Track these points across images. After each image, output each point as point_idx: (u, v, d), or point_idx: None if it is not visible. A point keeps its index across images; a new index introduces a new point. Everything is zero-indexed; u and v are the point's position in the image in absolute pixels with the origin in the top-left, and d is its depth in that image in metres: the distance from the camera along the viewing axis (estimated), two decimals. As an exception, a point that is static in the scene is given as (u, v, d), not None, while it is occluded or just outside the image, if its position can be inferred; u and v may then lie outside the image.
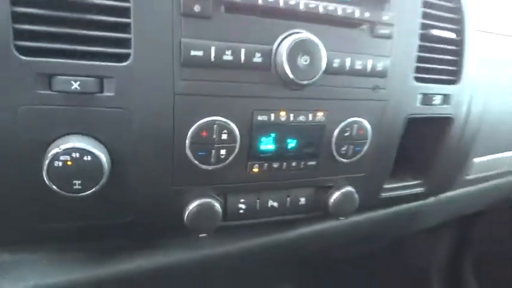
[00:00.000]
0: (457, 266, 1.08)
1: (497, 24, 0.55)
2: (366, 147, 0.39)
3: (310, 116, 0.36)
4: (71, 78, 0.28)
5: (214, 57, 0.31)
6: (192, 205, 0.35)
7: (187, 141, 0.32)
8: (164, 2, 0.29)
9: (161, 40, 0.30)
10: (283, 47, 0.32)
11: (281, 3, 0.32)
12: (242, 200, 0.38)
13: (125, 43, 0.29)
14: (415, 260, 1.05)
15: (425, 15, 0.40)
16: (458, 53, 0.43)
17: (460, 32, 0.42)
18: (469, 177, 0.53)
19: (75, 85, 0.28)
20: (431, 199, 0.52)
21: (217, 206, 0.35)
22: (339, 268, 0.86)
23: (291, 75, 0.32)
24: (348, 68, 0.36)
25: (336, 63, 0.35)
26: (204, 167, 0.34)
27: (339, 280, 0.91)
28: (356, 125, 0.38)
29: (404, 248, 0.94)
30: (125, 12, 0.29)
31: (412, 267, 1.07)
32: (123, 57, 0.29)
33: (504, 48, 0.55)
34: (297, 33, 0.33)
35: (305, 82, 0.33)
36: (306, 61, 0.33)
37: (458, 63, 0.43)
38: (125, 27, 0.29)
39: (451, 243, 1.06)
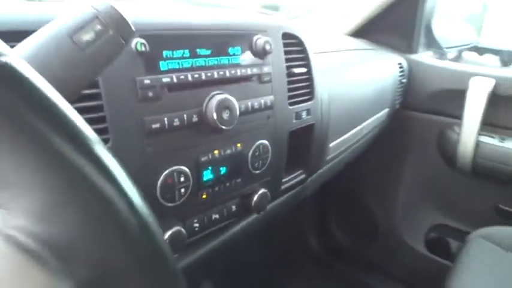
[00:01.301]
0: (325, 221, 1.42)
1: (326, 45, 0.80)
2: (269, 159, 0.57)
3: (233, 148, 0.52)
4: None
5: (167, 125, 0.43)
6: (166, 235, 0.47)
7: (158, 189, 0.44)
8: (127, 94, 0.40)
9: (130, 122, 0.41)
10: (210, 107, 0.47)
11: (203, 77, 0.46)
12: (195, 220, 0.51)
13: (103, 131, 0.39)
14: (294, 222, 1.34)
15: (287, 60, 0.59)
16: (310, 80, 0.64)
17: (307, 66, 0.64)
18: (328, 158, 0.78)
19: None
20: (308, 180, 0.74)
21: (183, 230, 0.48)
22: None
23: (220, 126, 0.47)
24: (250, 109, 0.52)
25: (243, 107, 0.51)
26: (169, 204, 0.46)
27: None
28: (261, 146, 0.55)
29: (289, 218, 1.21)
30: (99, 108, 0.39)
31: (293, 230, 1.36)
32: (104, 141, 0.39)
33: (333, 59, 0.81)
34: (218, 94, 0.48)
35: (229, 127, 0.48)
36: (227, 113, 0.48)
37: (310, 87, 0.65)
38: (101, 119, 0.39)
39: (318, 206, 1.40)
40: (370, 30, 1.15)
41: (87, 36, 0.25)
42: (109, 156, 0.16)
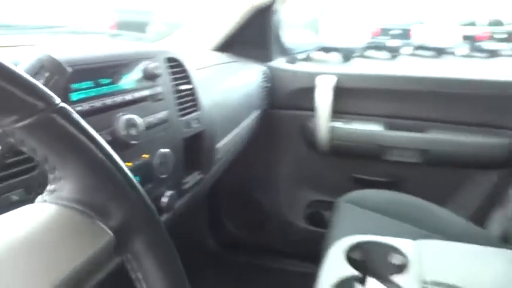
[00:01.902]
0: (220, 218, 1.57)
1: (200, 61, 0.94)
2: (171, 164, 0.68)
3: (142, 159, 0.62)
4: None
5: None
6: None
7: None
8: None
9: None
10: (120, 126, 0.56)
11: (108, 102, 0.56)
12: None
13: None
14: (191, 223, 1.45)
15: (174, 79, 0.71)
16: (194, 94, 0.78)
17: (190, 82, 0.77)
18: (217, 157, 0.92)
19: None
20: (204, 179, 0.87)
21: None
22: None
23: (129, 141, 0.57)
24: (151, 124, 0.63)
25: (146, 123, 0.61)
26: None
27: None
28: (164, 154, 0.66)
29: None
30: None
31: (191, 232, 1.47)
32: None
33: (207, 73, 0.95)
34: (123, 115, 0.57)
35: (137, 142, 0.58)
36: (134, 130, 0.58)
37: (195, 99, 0.78)
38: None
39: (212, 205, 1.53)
40: (232, 44, 1.33)
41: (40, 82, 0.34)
42: (116, 158, 0.27)
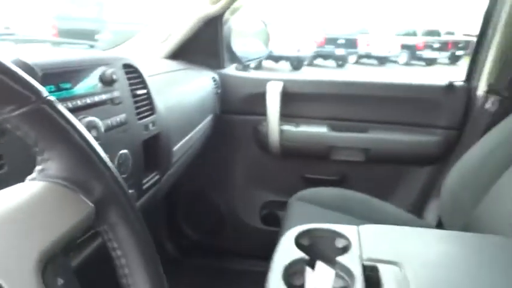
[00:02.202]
0: (177, 224, 1.60)
1: (155, 68, 0.98)
2: (130, 164, 0.72)
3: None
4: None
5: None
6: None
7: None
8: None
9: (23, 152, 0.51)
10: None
11: (69, 105, 0.59)
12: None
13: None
14: (149, 229, 1.47)
15: (130, 85, 0.76)
16: (149, 98, 0.82)
17: (146, 87, 0.81)
18: (174, 160, 0.96)
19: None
20: (162, 180, 0.91)
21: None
22: None
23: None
24: (111, 126, 0.67)
25: (106, 125, 0.65)
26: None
27: None
28: (123, 154, 0.70)
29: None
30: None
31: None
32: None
33: (162, 79, 1.00)
34: (84, 117, 0.60)
35: (98, 143, 0.62)
36: (95, 132, 0.61)
37: (151, 103, 0.82)
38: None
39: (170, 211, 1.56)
40: (184, 53, 1.38)
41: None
42: (94, 143, 0.32)
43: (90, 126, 0.61)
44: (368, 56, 13.28)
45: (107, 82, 0.68)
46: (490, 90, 1.26)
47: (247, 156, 1.52)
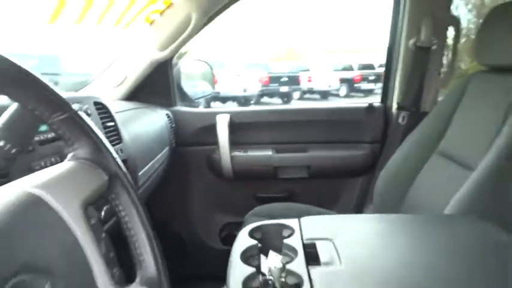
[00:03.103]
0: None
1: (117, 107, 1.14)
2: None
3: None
4: None
5: (44, 166, 0.69)
6: None
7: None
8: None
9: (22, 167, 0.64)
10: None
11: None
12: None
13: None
14: None
15: (101, 118, 0.91)
16: (117, 129, 0.98)
17: (113, 120, 0.97)
18: (140, 183, 1.10)
19: None
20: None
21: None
22: None
23: None
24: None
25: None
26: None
27: None
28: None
29: None
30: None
31: None
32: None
33: (125, 116, 1.15)
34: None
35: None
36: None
37: (118, 134, 0.98)
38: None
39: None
40: (139, 94, 1.55)
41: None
42: (104, 139, 0.49)
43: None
44: (311, 91, 14.06)
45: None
46: (400, 107, 1.54)
47: (203, 184, 1.68)
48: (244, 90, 11.12)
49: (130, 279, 0.49)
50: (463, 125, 1.25)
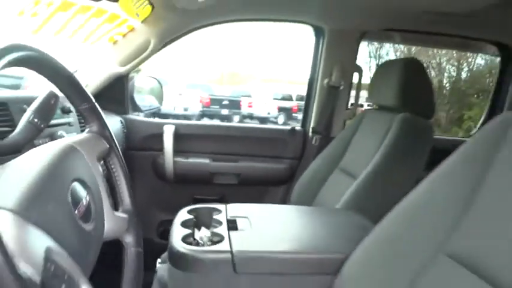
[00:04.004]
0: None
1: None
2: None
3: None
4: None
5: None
6: None
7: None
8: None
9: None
10: (54, 136, 1.00)
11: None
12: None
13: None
14: None
15: (79, 114, 1.17)
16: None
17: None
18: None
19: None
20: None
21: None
22: None
23: None
24: (69, 139, 1.07)
25: (67, 138, 1.06)
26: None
27: None
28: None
29: None
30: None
31: None
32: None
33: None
34: (56, 131, 1.01)
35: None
36: (64, 139, 1.02)
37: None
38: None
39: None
40: (97, 101, 1.79)
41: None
42: (107, 122, 0.77)
43: (58, 136, 1.02)
44: (250, 117, 14.61)
45: (66, 111, 1.10)
46: (314, 131, 1.94)
47: (147, 184, 1.93)
48: (185, 109, 11.36)
49: (116, 209, 0.77)
50: (356, 147, 1.66)
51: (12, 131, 0.78)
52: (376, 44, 9.14)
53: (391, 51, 9.29)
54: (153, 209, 1.95)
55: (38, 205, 0.49)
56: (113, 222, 0.74)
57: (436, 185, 0.82)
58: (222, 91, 14.26)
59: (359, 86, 1.96)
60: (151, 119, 2.03)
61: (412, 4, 1.61)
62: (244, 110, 14.38)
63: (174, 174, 1.89)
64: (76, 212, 0.57)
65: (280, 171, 1.99)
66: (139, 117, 2.00)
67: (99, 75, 1.77)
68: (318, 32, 1.89)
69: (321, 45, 1.89)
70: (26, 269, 0.39)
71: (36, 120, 0.76)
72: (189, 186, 1.96)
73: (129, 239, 0.78)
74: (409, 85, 1.44)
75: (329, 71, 1.88)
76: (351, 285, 0.88)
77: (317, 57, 1.93)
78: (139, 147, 1.90)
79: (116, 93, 1.87)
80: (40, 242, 0.46)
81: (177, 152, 1.90)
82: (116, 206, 0.78)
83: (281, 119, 15.17)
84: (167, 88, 10.85)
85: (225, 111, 13.38)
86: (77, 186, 0.60)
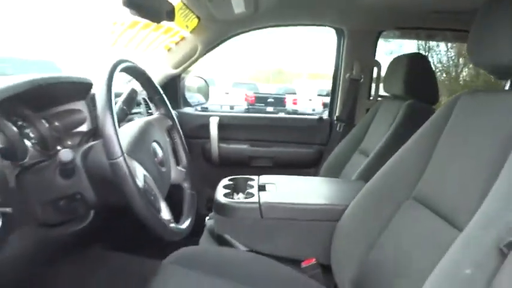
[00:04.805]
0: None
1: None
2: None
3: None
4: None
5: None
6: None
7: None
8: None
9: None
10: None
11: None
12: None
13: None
14: None
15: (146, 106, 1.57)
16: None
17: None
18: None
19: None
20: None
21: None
22: None
23: None
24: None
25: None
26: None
27: None
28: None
29: None
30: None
31: None
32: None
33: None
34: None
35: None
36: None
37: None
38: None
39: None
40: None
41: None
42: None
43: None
44: (295, 113, 14.86)
45: (138, 104, 1.49)
46: (338, 119, 2.23)
47: (196, 167, 2.32)
48: (231, 107, 11.86)
49: (177, 164, 1.14)
50: (373, 131, 1.94)
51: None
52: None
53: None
54: (201, 187, 2.33)
55: (137, 151, 0.86)
56: (176, 173, 1.11)
57: (408, 147, 1.12)
58: (267, 89, 14.64)
59: (378, 79, 2.22)
60: (199, 112, 2.42)
61: (422, 4, 1.86)
62: (289, 106, 14.66)
63: (219, 158, 2.27)
64: (155, 159, 0.94)
65: (309, 155, 2.31)
66: (190, 110, 2.39)
67: (157, 76, 2.18)
68: (339, 33, 2.19)
69: (342, 44, 2.19)
70: (141, 183, 0.77)
71: (124, 107, 1.14)
72: (230, 168, 2.31)
73: (186, 185, 1.14)
74: (414, 76, 1.70)
75: (350, 66, 2.17)
76: (345, 228, 1.20)
77: (339, 55, 2.22)
78: (190, 135, 2.30)
79: (170, 91, 2.27)
80: (139, 170, 0.83)
81: (221, 139, 2.28)
82: (177, 162, 1.15)
83: (326, 115, 15.29)
84: (214, 88, 11.43)
85: (269, 109, 13.74)
86: (155, 144, 0.97)
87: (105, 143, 0.74)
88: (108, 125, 0.74)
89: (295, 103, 14.78)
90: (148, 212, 0.78)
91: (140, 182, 0.78)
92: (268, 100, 13.84)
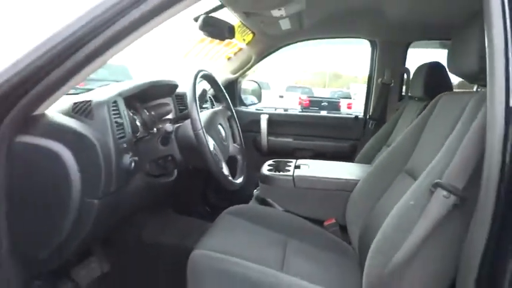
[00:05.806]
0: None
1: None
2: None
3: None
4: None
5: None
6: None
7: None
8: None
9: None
10: None
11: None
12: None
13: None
14: None
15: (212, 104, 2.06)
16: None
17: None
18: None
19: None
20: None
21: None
22: None
23: None
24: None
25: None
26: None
27: None
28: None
29: None
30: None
31: None
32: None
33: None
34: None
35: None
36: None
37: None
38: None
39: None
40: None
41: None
42: None
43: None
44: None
45: (205, 101, 1.99)
46: (370, 117, 2.60)
47: (248, 156, 2.78)
48: (285, 110, 12.28)
49: (234, 142, 1.60)
50: (399, 128, 2.29)
51: (185, 109, 1.68)
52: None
53: None
54: (252, 174, 2.80)
55: (209, 129, 1.34)
56: (233, 147, 1.58)
57: (405, 135, 1.50)
58: (322, 93, 14.88)
59: (408, 83, 2.56)
60: (252, 110, 2.90)
61: (447, 17, 2.18)
62: (343, 111, 14.80)
63: (267, 149, 2.72)
64: (220, 136, 1.41)
65: (344, 148, 2.69)
66: (244, 109, 2.88)
67: (219, 80, 2.67)
68: (372, 44, 2.56)
69: (375, 53, 2.56)
70: (212, 149, 1.24)
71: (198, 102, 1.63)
72: (277, 158, 2.76)
73: (239, 156, 1.60)
74: (433, 81, 2.04)
75: (382, 72, 2.53)
76: (356, 196, 1.59)
77: (373, 62, 2.59)
78: (244, 129, 2.74)
79: (229, 92, 2.75)
80: (210, 140, 1.30)
81: (269, 133, 2.73)
82: (234, 140, 1.62)
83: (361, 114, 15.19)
84: (269, 91, 11.92)
85: (323, 113, 13.96)
86: (220, 127, 1.44)
87: (192, 121, 1.21)
88: (194, 110, 1.22)
89: (349, 107, 14.88)
90: (216, 167, 1.24)
91: (211, 147, 1.26)
92: (322, 104, 14.10)
